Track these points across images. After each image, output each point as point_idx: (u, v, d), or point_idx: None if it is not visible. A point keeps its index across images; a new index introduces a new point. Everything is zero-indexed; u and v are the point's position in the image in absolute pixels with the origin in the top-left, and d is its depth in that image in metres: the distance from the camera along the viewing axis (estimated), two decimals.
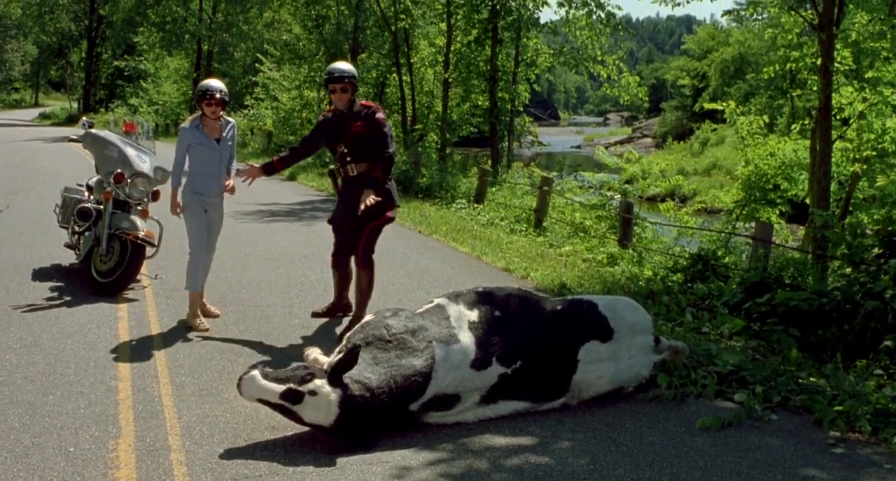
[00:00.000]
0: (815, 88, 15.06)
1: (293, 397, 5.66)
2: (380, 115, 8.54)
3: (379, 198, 8.31)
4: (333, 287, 9.22)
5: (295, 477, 5.31)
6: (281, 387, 5.68)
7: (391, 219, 8.76)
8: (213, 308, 9.23)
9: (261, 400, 5.78)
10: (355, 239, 8.64)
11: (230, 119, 8.96)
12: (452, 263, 12.52)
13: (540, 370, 6.47)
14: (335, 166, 8.76)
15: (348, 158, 8.51)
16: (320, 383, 5.67)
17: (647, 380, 7.03)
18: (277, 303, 9.73)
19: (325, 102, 36.47)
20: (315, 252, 12.88)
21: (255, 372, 5.76)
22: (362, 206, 8.23)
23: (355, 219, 8.45)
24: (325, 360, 6.82)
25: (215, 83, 8.76)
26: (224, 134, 8.78)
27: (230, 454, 5.61)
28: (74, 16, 71.91)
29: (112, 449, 5.65)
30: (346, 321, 8.84)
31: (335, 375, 5.71)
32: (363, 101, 8.69)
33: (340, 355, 5.90)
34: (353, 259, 8.83)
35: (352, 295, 9.02)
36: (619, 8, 26.08)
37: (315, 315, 9.11)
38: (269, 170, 8.83)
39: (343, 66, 8.68)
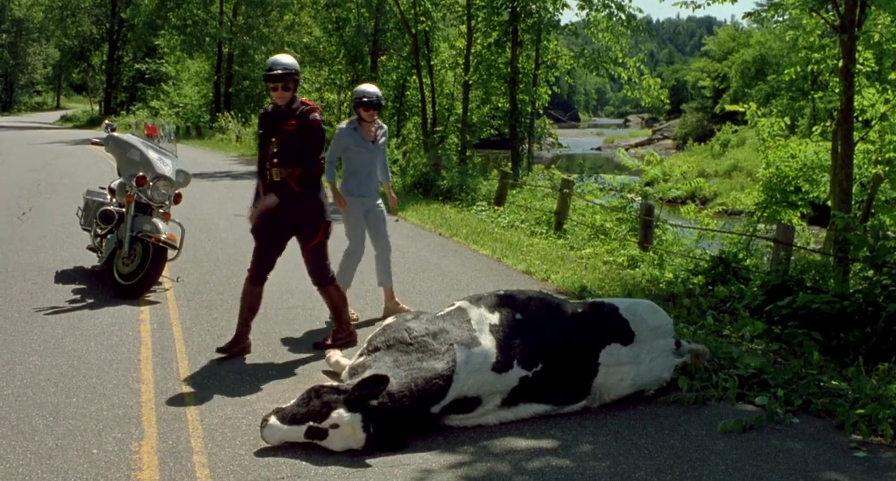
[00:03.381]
0: (836, 90, 14.97)
1: (317, 435, 5.69)
2: (315, 115, 7.77)
3: (262, 209, 7.75)
4: (240, 312, 8.12)
5: (317, 479, 5.33)
6: (303, 428, 5.70)
7: (327, 236, 8.05)
8: (405, 305, 9.43)
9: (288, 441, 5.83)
10: (277, 252, 8.00)
11: (383, 124, 9.44)
12: (473, 266, 12.52)
13: (561, 373, 6.47)
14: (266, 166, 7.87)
15: (275, 160, 7.72)
16: (336, 415, 5.66)
17: (668, 383, 7.02)
18: (299, 305, 9.75)
19: (346, 105, 36.55)
20: (338, 255, 12.91)
21: (273, 419, 5.77)
22: (251, 217, 7.88)
23: (276, 231, 7.86)
24: (347, 363, 6.85)
25: (371, 88, 9.25)
26: (378, 137, 9.25)
27: (253, 456, 5.64)
28: (96, 19, 72.24)
29: (135, 450, 5.69)
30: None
31: (355, 402, 5.72)
32: (304, 99, 7.91)
33: (363, 377, 5.86)
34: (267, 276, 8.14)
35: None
36: (640, 10, 26.02)
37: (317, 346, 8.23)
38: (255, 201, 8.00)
39: (286, 60, 7.82)
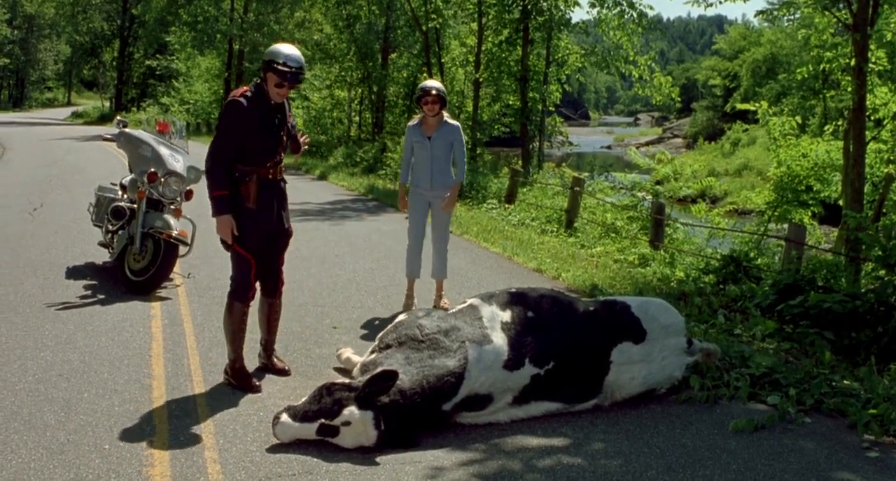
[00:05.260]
0: (848, 89, 14.94)
1: (329, 432, 5.69)
2: None
3: None
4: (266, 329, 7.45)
5: (328, 476, 5.33)
6: (314, 425, 5.70)
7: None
8: (446, 300, 9.56)
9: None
10: (273, 260, 7.21)
11: (454, 122, 9.46)
12: (484, 263, 12.51)
13: (572, 371, 6.46)
14: (248, 171, 6.93)
15: (279, 156, 7.06)
16: (348, 412, 5.65)
17: (680, 382, 7.00)
18: (309, 302, 9.75)
19: (356, 102, 36.56)
20: (346, 252, 12.92)
21: (285, 417, 5.77)
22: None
23: (281, 236, 7.20)
24: (358, 360, 6.85)
25: (433, 83, 9.39)
26: (437, 133, 9.29)
27: (263, 452, 5.65)
28: (107, 15, 72.34)
29: (146, 446, 5.70)
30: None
31: (366, 399, 5.71)
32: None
33: (373, 373, 5.85)
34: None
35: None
36: (651, 7, 25.94)
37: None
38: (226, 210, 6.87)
39: (299, 54, 6.85)
